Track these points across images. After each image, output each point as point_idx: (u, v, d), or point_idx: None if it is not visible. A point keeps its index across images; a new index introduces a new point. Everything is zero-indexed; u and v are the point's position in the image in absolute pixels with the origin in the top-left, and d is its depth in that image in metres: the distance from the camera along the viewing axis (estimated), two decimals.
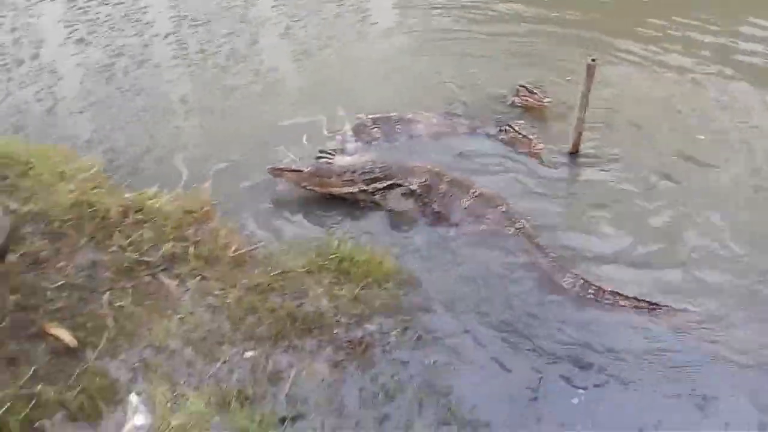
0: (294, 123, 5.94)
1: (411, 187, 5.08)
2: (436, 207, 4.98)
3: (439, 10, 8.17)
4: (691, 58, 7.00)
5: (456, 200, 4.94)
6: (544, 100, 6.08)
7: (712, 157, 5.53)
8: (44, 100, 6.42)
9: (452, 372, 3.70)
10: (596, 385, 3.71)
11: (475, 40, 7.46)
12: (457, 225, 4.87)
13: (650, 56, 7.02)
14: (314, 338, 3.81)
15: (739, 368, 3.80)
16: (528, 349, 3.89)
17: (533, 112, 6.16)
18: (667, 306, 4.16)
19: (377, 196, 5.14)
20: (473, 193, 4.95)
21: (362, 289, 4.11)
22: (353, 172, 5.17)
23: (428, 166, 5.20)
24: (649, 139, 5.79)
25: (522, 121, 5.84)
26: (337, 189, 5.17)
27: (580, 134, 5.45)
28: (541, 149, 5.55)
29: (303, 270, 4.20)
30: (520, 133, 5.65)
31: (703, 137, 5.78)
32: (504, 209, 4.85)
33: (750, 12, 7.83)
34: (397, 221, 4.98)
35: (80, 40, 7.49)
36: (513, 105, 6.26)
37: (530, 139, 5.58)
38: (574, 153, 5.53)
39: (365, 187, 5.13)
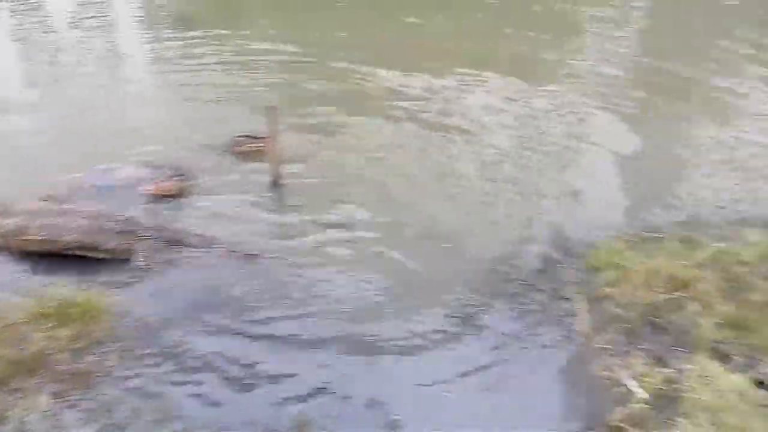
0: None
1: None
2: (40, 236, 5.54)
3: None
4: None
5: (64, 225, 5.58)
6: (266, 145, 6.77)
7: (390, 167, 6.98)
8: None
9: (168, 375, 4.41)
10: None
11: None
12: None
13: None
14: (37, 377, 4.27)
15: None
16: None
17: (256, 156, 6.94)
18: None
19: None
20: (83, 214, 5.68)
21: (83, 326, 4.65)
22: None
23: (35, 207, 5.82)
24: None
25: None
26: None
27: (278, 166, 6.53)
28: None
29: (22, 321, 4.62)
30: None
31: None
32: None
33: None
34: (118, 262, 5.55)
35: None
36: (236, 154, 7.04)
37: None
38: (276, 182, 6.57)
39: None
